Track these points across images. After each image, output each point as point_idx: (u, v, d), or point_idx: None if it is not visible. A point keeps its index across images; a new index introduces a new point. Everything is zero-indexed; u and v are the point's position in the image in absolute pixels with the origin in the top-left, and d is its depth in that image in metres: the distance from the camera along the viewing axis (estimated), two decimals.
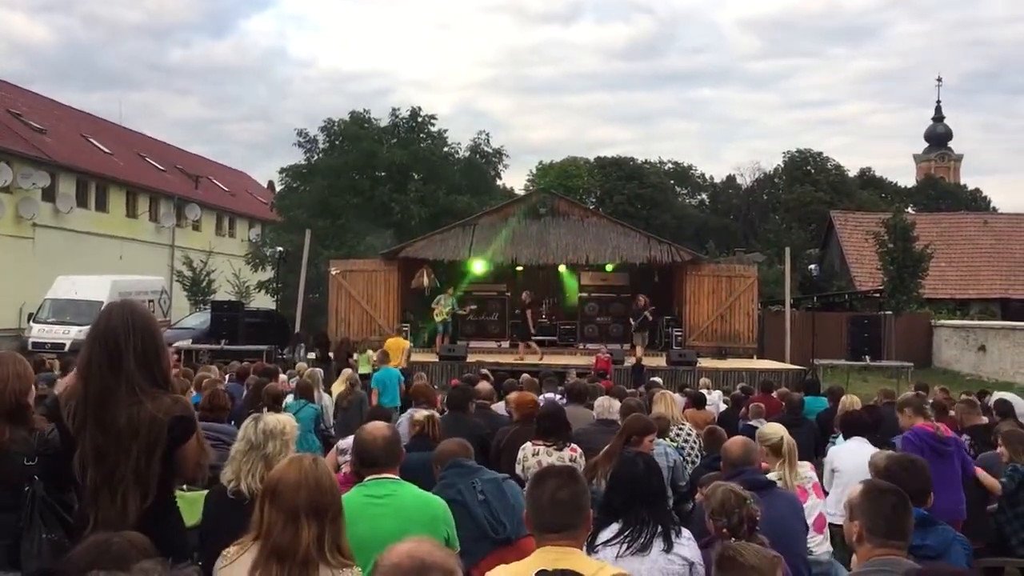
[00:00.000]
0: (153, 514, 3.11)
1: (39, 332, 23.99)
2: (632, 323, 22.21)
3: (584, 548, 3.01)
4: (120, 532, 2.57)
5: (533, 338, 22.67)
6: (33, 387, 3.72)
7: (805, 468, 5.86)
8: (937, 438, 6.54)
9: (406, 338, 20.94)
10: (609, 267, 24.79)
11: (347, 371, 13.16)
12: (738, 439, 5.32)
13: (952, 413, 9.13)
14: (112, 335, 3.15)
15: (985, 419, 8.81)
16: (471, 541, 4.22)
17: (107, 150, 37.25)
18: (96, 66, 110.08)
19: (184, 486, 4.69)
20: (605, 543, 3.47)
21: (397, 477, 3.80)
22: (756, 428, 8.87)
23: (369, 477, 3.75)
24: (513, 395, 8.54)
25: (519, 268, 24.78)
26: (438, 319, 22.53)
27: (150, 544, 2.50)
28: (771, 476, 5.52)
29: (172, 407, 3.19)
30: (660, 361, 21.37)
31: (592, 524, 3.14)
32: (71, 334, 22.93)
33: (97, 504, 3.07)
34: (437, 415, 6.46)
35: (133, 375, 3.11)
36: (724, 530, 3.67)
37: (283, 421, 4.10)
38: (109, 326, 3.19)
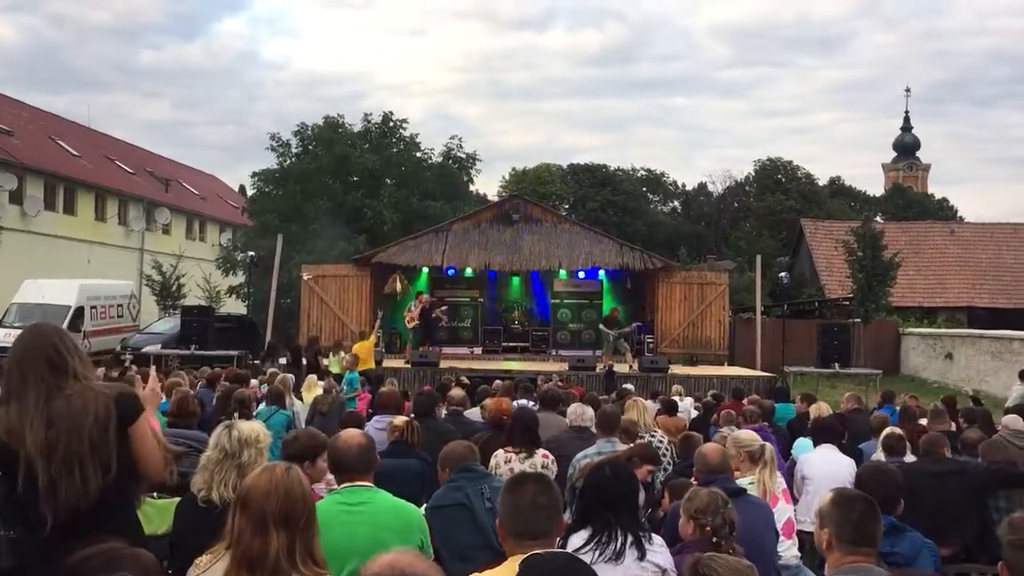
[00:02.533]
0: (109, 512, 3.12)
1: (4, 336, 23.55)
2: (625, 330, 21.92)
3: None
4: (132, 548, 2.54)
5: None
6: None
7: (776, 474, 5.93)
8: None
9: (376, 340, 20.65)
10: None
11: (311, 376, 13.11)
12: (714, 446, 5.36)
13: (923, 421, 9.25)
14: (46, 339, 3.28)
15: (952, 425, 8.92)
16: (471, 548, 4.19)
17: (75, 152, 36.83)
18: (64, 67, 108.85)
19: (154, 493, 4.66)
20: (577, 550, 3.47)
21: (371, 484, 3.78)
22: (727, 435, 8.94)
23: (344, 484, 3.74)
24: (489, 401, 8.52)
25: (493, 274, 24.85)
26: (410, 326, 22.44)
27: (155, 563, 2.50)
28: (746, 481, 5.57)
29: (113, 386, 3.33)
30: (632, 368, 21.41)
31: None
32: None
33: (55, 498, 3.09)
34: (416, 422, 6.45)
35: (75, 366, 3.25)
36: (707, 528, 3.70)
37: (256, 429, 4.07)
38: (37, 333, 3.32)
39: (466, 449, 4.82)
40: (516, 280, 26.01)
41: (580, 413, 7.32)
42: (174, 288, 31.94)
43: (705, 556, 2.83)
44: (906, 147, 75.12)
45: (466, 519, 4.22)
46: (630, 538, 3.49)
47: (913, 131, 76.16)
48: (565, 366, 20.89)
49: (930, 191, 68.77)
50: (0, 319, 24.81)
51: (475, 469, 4.66)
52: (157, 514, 4.53)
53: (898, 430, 7.90)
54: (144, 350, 22.52)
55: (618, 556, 3.45)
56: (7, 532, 3.16)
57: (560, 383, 16.39)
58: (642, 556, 3.45)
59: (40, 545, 3.04)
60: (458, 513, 4.17)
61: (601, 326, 22.32)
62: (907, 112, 76.98)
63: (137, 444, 3.26)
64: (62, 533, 3.02)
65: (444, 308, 23.48)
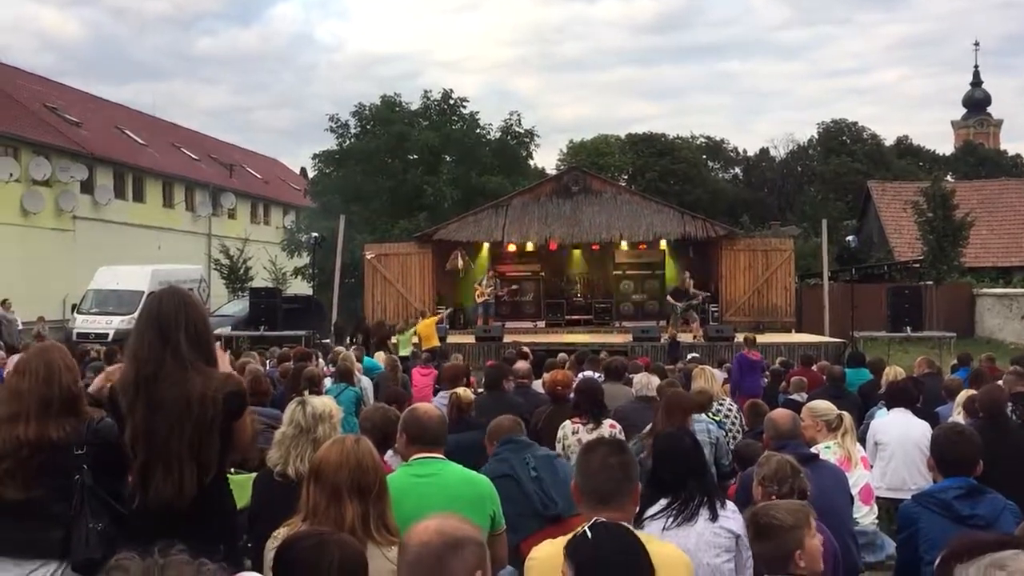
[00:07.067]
0: (206, 493, 3.15)
1: (83, 323, 24.40)
2: (693, 301, 22.32)
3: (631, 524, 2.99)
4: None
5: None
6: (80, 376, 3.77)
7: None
8: (748, 359, 12.19)
9: (436, 314, 20.88)
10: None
11: (380, 353, 13.27)
12: (785, 412, 5.31)
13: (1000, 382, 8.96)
14: (165, 316, 3.21)
15: None
16: (521, 517, 4.25)
17: (142, 141, 37.64)
18: (126, 58, 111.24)
19: (233, 469, 4.78)
20: (651, 517, 3.47)
21: (442, 456, 3.82)
22: (797, 401, 8.83)
23: (415, 456, 3.78)
24: (546, 375, 8.55)
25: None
26: (479, 300, 22.65)
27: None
28: (823, 445, 5.54)
29: (226, 383, 3.22)
30: (696, 337, 21.25)
31: (640, 500, 3.13)
32: (114, 324, 23.28)
33: (149, 481, 3.10)
34: (468, 393, 6.53)
35: (186, 353, 3.16)
36: (773, 497, 3.67)
37: (329, 404, 4.16)
38: (162, 309, 3.24)
39: (511, 422, 4.90)
40: (577, 252, 25.94)
41: (646, 383, 7.30)
42: (241, 271, 32.55)
43: (760, 507, 2.80)
44: (976, 103, 72.72)
45: (513, 489, 4.31)
46: (704, 500, 3.48)
47: (983, 86, 73.72)
48: (629, 337, 20.82)
49: (1003, 147, 66.56)
50: (77, 306, 25.62)
51: (518, 440, 4.76)
52: (236, 488, 4.63)
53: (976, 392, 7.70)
54: (215, 332, 23.03)
55: (690, 519, 3.44)
56: (95, 524, 3.26)
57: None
58: (714, 519, 3.44)
59: (130, 534, 3.11)
60: (505, 484, 4.23)
61: (669, 297, 22.28)
62: (976, 67, 74.78)
63: (237, 434, 3.29)
64: (152, 519, 3.06)
65: (515, 287, 23.85)
